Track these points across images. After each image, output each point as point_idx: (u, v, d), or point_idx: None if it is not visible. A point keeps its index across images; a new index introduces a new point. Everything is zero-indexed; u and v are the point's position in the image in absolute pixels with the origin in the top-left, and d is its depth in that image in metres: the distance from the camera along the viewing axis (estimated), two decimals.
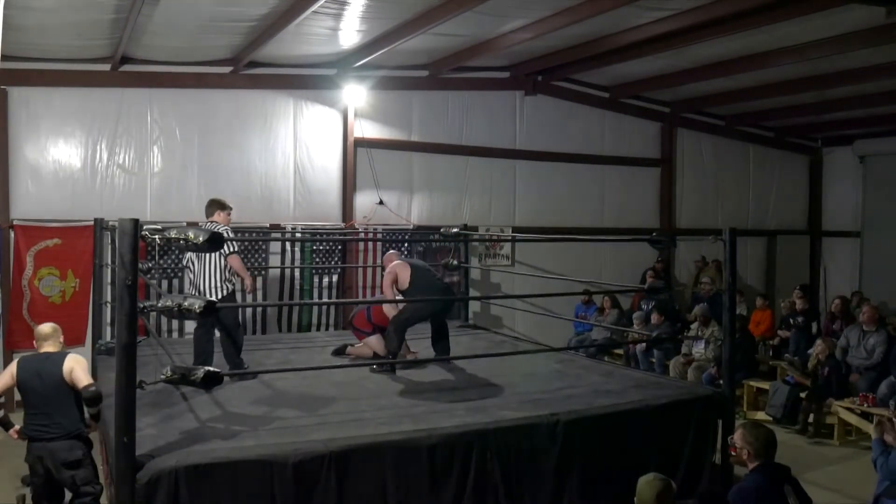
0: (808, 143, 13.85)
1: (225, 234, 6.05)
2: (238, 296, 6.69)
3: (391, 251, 7.93)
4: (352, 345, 7.38)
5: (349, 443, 4.42)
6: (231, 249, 6.19)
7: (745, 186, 13.21)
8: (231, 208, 6.61)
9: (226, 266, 6.20)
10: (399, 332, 6.58)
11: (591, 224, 11.30)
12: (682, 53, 9.07)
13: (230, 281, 6.25)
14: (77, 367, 4.64)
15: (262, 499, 4.16)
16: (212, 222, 6.38)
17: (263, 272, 9.18)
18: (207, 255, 6.08)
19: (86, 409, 4.65)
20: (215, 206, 6.51)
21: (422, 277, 6.80)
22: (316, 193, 9.64)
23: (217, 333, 6.43)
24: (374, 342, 7.06)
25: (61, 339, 4.91)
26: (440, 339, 6.91)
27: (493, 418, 4.99)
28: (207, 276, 6.16)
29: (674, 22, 7.64)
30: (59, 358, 4.69)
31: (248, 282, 6.43)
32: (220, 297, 6.12)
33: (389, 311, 6.95)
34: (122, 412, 3.92)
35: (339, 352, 7.40)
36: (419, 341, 7.22)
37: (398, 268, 6.87)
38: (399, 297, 6.85)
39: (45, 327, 4.90)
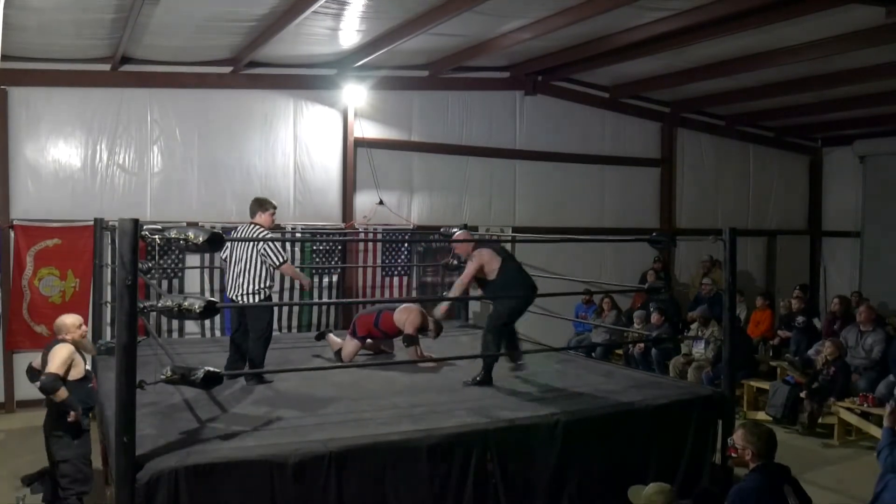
0: (808, 143, 13.84)
1: (270, 247, 5.85)
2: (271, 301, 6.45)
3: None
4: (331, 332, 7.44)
5: (349, 443, 4.42)
6: (282, 260, 5.92)
7: (745, 186, 13.21)
8: (275, 208, 6.21)
9: (263, 274, 5.92)
10: (497, 338, 6.23)
11: (591, 224, 11.29)
12: (682, 53, 9.07)
13: (269, 287, 6.00)
14: (51, 357, 4.97)
15: (262, 499, 4.14)
16: (253, 224, 6.08)
17: None
18: (244, 260, 5.89)
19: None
20: (256, 205, 6.13)
21: (511, 270, 6.34)
22: (316, 193, 9.64)
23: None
24: (349, 345, 6.93)
25: (66, 331, 5.18)
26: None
27: (493, 418, 4.99)
28: (243, 283, 5.92)
29: (674, 22, 7.64)
30: (51, 346, 5.11)
31: (305, 283, 6.34)
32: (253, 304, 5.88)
33: (401, 319, 6.68)
34: (122, 412, 3.92)
35: (321, 336, 7.42)
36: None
37: (486, 256, 6.25)
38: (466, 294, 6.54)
39: (61, 318, 5.30)
